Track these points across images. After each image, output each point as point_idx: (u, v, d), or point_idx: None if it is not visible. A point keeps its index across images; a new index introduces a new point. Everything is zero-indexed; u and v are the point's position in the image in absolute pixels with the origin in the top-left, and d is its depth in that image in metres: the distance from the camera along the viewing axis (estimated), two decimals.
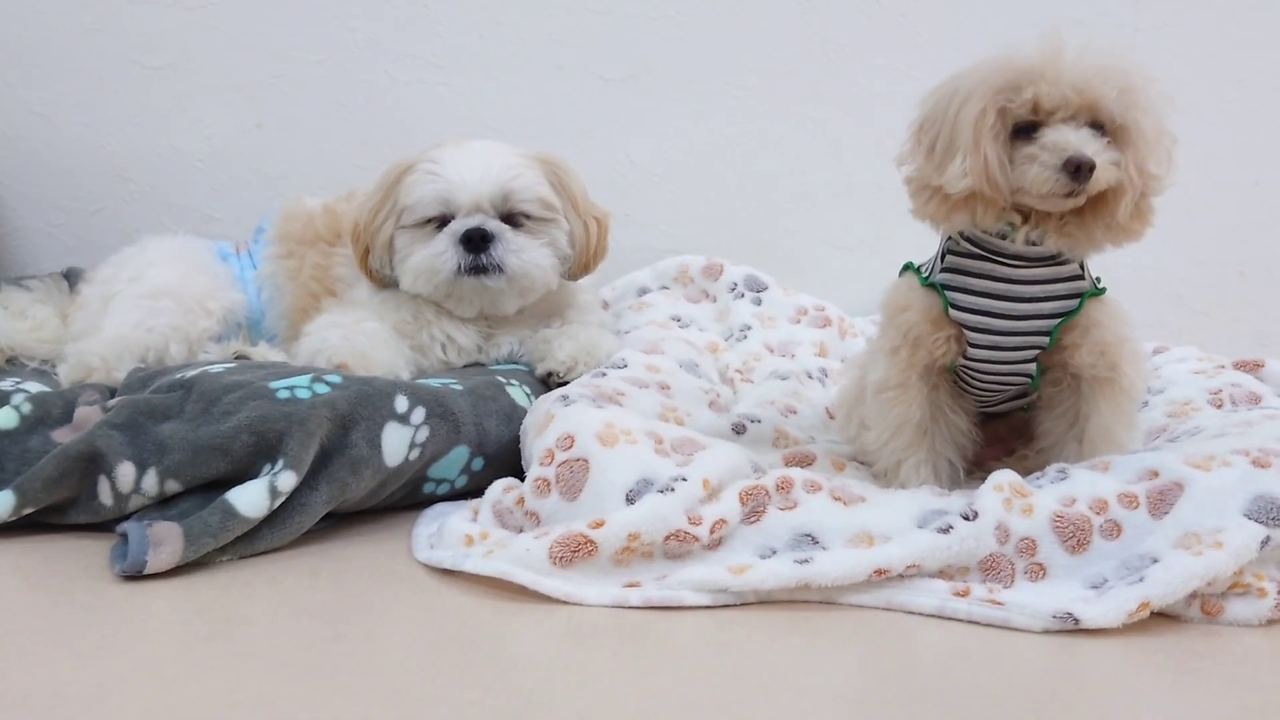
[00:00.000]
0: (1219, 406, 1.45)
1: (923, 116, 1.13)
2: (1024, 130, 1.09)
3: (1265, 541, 1.02)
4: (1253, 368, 1.55)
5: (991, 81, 1.07)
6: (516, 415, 1.35)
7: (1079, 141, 1.06)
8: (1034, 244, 1.13)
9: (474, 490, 1.30)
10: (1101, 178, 1.07)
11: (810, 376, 1.63)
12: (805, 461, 1.31)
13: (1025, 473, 1.24)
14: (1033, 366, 1.20)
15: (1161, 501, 1.07)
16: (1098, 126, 1.09)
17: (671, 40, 1.95)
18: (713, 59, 1.95)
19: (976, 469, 1.34)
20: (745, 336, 1.76)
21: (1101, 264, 1.89)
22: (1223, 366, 1.57)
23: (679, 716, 0.84)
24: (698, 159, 1.98)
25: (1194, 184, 1.92)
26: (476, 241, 1.43)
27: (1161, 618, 1.03)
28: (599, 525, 1.05)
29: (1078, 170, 1.05)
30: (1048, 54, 1.07)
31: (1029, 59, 1.07)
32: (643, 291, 1.91)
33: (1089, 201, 1.10)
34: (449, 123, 1.97)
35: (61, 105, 2.00)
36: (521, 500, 1.16)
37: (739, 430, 1.36)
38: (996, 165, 1.07)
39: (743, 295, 1.84)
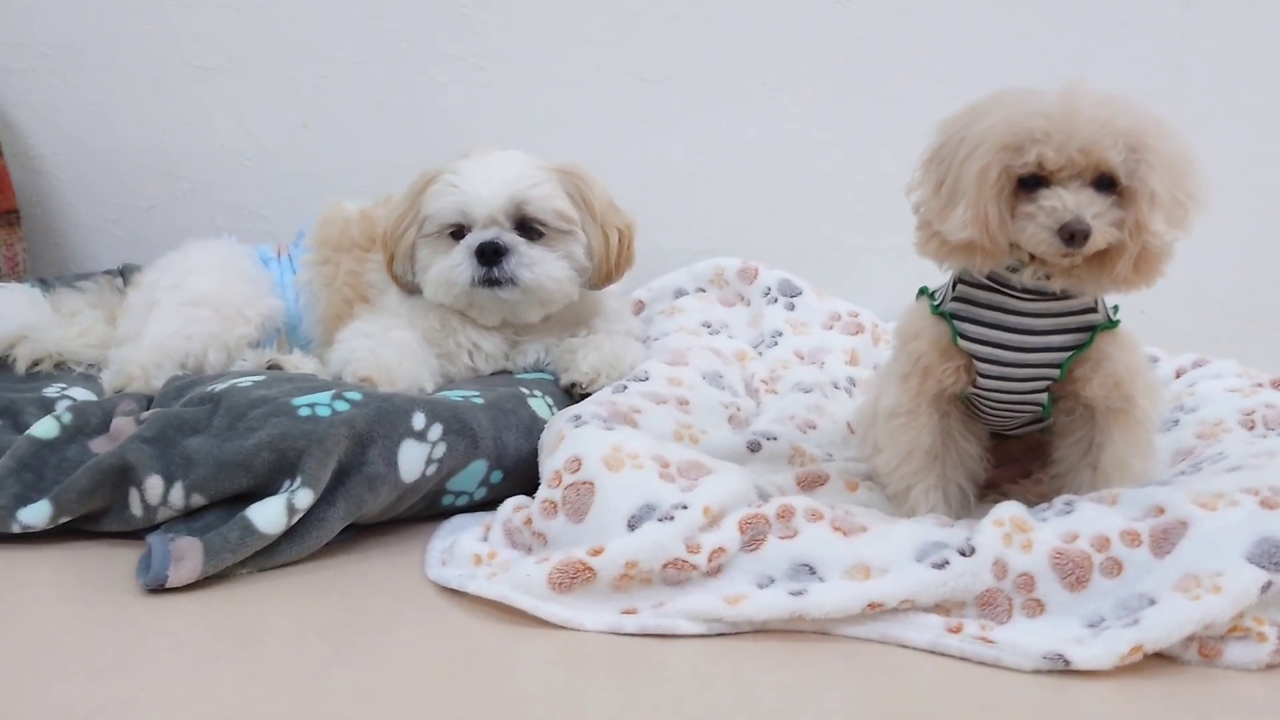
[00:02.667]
0: (1250, 428, 1.42)
1: (933, 148, 1.12)
2: (1029, 182, 1.08)
3: (1266, 586, 1.01)
4: None
5: (997, 138, 1.06)
6: (537, 428, 1.38)
7: (1077, 206, 1.05)
8: (1042, 280, 1.13)
9: (493, 501, 1.33)
10: (1098, 240, 1.06)
11: (837, 387, 1.63)
12: (818, 481, 1.31)
13: (1040, 497, 1.25)
14: (1044, 396, 1.20)
15: (1164, 540, 1.06)
16: (1107, 181, 1.07)
17: (708, 41, 1.94)
18: (749, 60, 1.94)
19: (992, 490, 1.34)
20: (776, 343, 1.76)
21: None
22: (1260, 385, 1.53)
23: None
24: (733, 160, 1.98)
25: (1240, 188, 1.87)
26: (489, 254, 1.45)
27: (1158, 658, 1.03)
28: (598, 553, 1.08)
29: (1071, 237, 1.05)
30: (1057, 114, 1.04)
31: (1037, 116, 1.05)
32: (679, 293, 1.92)
33: (1098, 252, 1.09)
34: (488, 123, 2.00)
35: (117, 105, 2.07)
36: (530, 521, 1.19)
37: (754, 448, 1.37)
38: (995, 221, 1.07)
39: (776, 300, 1.84)
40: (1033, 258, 1.11)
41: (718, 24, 1.94)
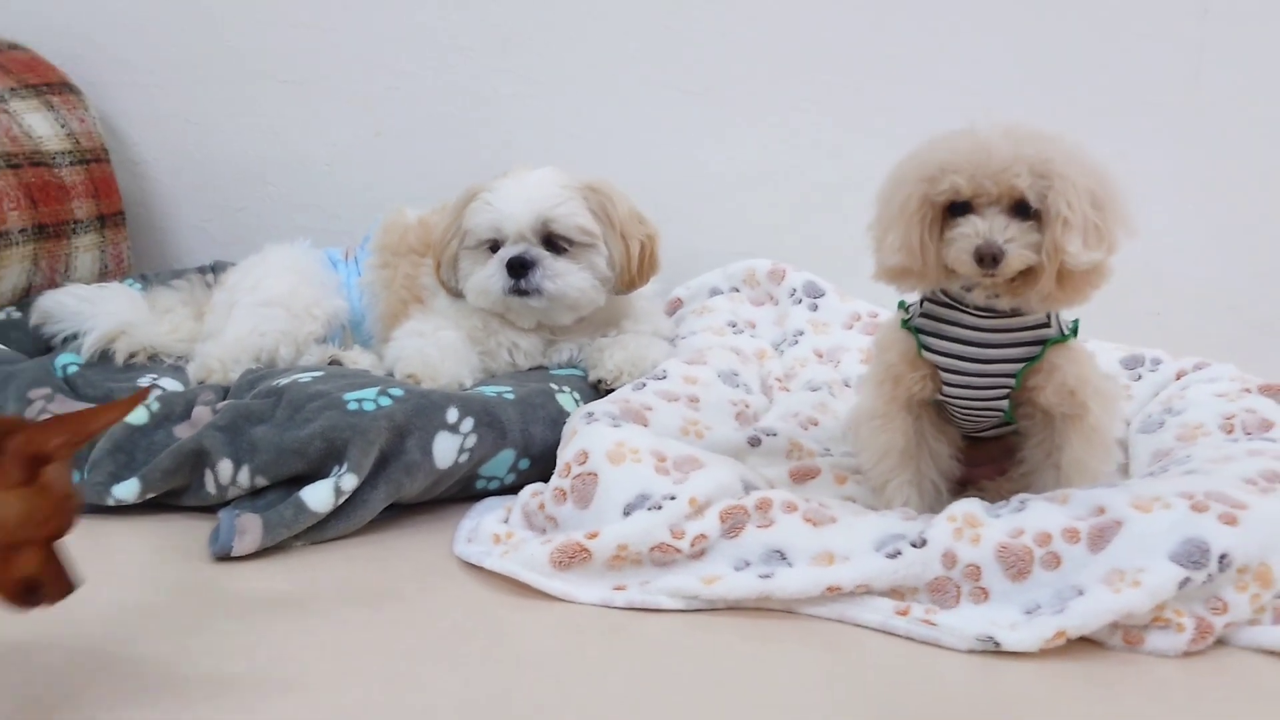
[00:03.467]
0: (1229, 432, 1.51)
1: (883, 184, 1.25)
2: (956, 210, 1.20)
3: (1184, 583, 1.12)
4: (1277, 392, 1.59)
5: (918, 170, 1.20)
6: (562, 420, 1.53)
7: (990, 230, 1.17)
8: (993, 299, 1.25)
9: (522, 485, 1.48)
10: (1014, 262, 1.18)
11: (847, 385, 1.76)
12: (810, 475, 1.46)
13: (1012, 492, 1.36)
14: (1005, 403, 1.32)
15: (1100, 538, 1.18)
16: (1025, 208, 1.19)
17: (745, 56, 2.07)
18: (780, 73, 2.06)
19: (970, 485, 1.47)
20: (797, 341, 1.89)
21: (1155, 274, 1.95)
22: (1248, 390, 1.61)
23: (626, 707, 1.03)
24: (765, 166, 2.10)
25: (1255, 196, 1.94)
26: (517, 268, 1.62)
27: (1088, 643, 1.15)
28: (594, 536, 1.24)
29: (985, 259, 1.17)
30: (970, 147, 1.17)
31: (950, 150, 1.17)
32: (714, 292, 2.05)
33: (1025, 271, 1.20)
34: (540, 132, 2.16)
35: (211, 116, 2.28)
36: (543, 506, 1.35)
37: (754, 443, 1.51)
38: (918, 246, 1.20)
39: (800, 301, 1.97)
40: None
41: (751, 39, 2.06)
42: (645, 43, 2.10)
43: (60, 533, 0.94)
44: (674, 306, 2.06)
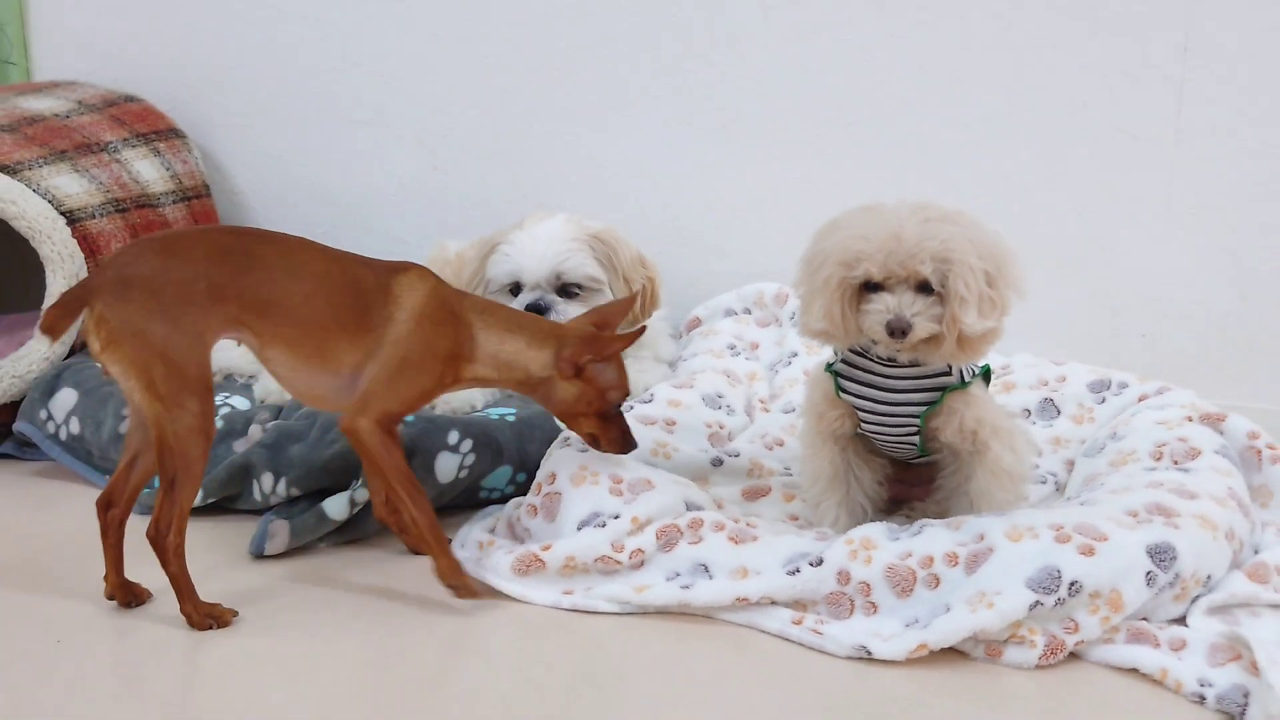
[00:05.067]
0: (1158, 459, 1.63)
1: (805, 254, 1.44)
2: (870, 285, 1.39)
3: (1034, 605, 1.29)
4: (1215, 421, 1.70)
5: (837, 254, 1.38)
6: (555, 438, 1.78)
7: (899, 307, 1.36)
8: (894, 352, 1.43)
9: (520, 494, 1.73)
10: (919, 332, 1.36)
11: None
12: (761, 493, 1.66)
13: (938, 514, 1.55)
14: (917, 438, 1.50)
15: (975, 562, 1.35)
16: (928, 286, 1.37)
17: (757, 96, 2.25)
18: (790, 111, 2.23)
19: (905, 505, 1.65)
20: (790, 363, 2.07)
21: (1142, 297, 2.05)
22: (1190, 419, 1.72)
23: (546, 689, 1.27)
24: (777, 196, 2.28)
25: (1237, 221, 2.03)
26: (534, 313, 1.86)
27: (957, 653, 1.33)
28: (547, 549, 1.47)
29: (894, 332, 1.36)
30: (880, 237, 1.36)
31: (863, 239, 1.36)
32: (728, 313, 2.25)
33: (930, 337, 1.38)
34: (576, 166, 2.39)
35: (293, 151, 2.59)
36: (519, 519, 1.60)
37: (717, 463, 1.72)
38: (839, 316, 1.40)
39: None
40: None
41: (763, 81, 2.24)
42: (666, 86, 2.31)
43: (605, 410, 1.47)
44: (693, 325, 2.26)
